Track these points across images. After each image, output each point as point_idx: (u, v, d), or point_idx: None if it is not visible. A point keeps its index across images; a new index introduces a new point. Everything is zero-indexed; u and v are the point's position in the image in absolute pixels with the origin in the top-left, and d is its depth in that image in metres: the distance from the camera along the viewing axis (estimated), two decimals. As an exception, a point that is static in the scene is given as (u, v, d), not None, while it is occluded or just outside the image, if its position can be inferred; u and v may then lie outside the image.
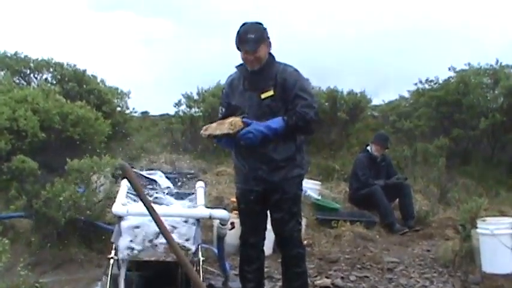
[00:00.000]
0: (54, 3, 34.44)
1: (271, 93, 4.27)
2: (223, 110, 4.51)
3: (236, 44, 4.27)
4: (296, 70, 4.39)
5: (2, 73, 11.38)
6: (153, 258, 4.26)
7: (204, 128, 4.30)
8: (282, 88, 4.28)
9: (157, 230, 3.93)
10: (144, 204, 3.76)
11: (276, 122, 4.20)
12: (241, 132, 4.14)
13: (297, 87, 4.29)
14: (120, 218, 4.52)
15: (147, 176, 6.40)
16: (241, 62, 4.40)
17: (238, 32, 4.25)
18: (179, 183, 6.57)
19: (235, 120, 4.17)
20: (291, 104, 4.27)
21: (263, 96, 4.28)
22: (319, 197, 8.90)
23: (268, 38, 4.33)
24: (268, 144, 4.25)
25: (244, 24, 4.28)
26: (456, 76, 13.46)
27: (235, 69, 4.53)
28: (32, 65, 11.90)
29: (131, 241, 4.38)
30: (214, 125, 4.26)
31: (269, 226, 4.61)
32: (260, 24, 4.31)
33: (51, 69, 11.97)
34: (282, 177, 4.35)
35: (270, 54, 4.38)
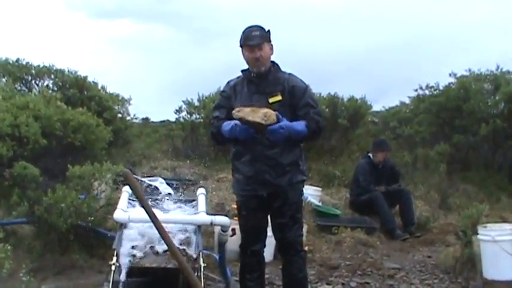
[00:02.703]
0: (55, 12, 34.61)
1: (279, 98, 4.33)
2: (225, 112, 4.44)
3: (241, 42, 4.34)
4: (301, 80, 4.49)
5: (4, 80, 11.36)
6: (154, 265, 4.27)
7: (237, 109, 4.13)
8: (291, 94, 4.35)
9: (159, 236, 3.95)
10: (146, 211, 3.77)
11: (300, 125, 4.27)
12: (273, 127, 4.08)
13: (307, 95, 4.40)
14: (121, 224, 4.54)
15: (148, 182, 6.42)
16: (245, 67, 4.46)
17: (242, 32, 4.33)
18: (180, 190, 6.60)
19: (270, 113, 4.07)
20: (300, 110, 4.34)
21: (271, 100, 4.32)
22: (320, 203, 8.92)
23: (270, 40, 4.39)
24: (276, 148, 4.30)
25: (247, 27, 4.35)
26: (457, 82, 13.47)
27: (236, 76, 4.57)
28: (33, 71, 11.88)
29: (133, 247, 4.39)
30: (247, 109, 4.10)
31: (269, 232, 4.62)
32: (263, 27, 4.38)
33: (52, 76, 11.96)
34: (287, 182, 4.38)
35: (274, 62, 4.45)
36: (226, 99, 4.54)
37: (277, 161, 4.34)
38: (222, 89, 4.73)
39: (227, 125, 4.31)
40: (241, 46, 4.37)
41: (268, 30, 4.37)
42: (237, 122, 4.17)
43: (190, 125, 12.95)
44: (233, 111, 4.16)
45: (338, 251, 7.31)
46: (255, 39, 4.28)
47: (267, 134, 4.14)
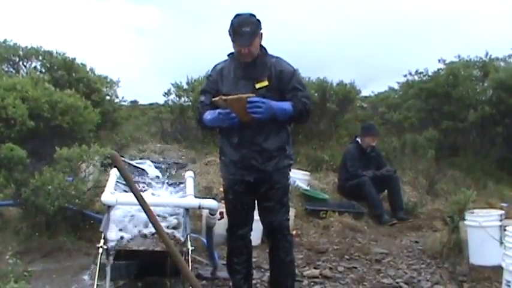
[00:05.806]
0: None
1: (265, 83, 4.28)
2: (211, 97, 4.34)
3: (230, 36, 4.20)
4: (289, 63, 4.43)
5: (-9, 61, 11.29)
6: (142, 248, 4.25)
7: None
8: (278, 79, 4.30)
9: (147, 219, 3.93)
10: (134, 194, 3.75)
11: (286, 104, 4.24)
12: (252, 98, 4.05)
13: (294, 80, 4.35)
14: (109, 207, 4.52)
15: (136, 165, 6.39)
16: (232, 50, 4.37)
17: (232, 24, 4.18)
18: (168, 173, 6.57)
19: (249, 94, 4.10)
20: (288, 94, 4.30)
21: (258, 86, 4.27)
22: (308, 188, 8.93)
23: (260, 29, 4.29)
24: (262, 133, 4.27)
25: (237, 15, 4.20)
26: (446, 68, 13.51)
27: (224, 58, 4.50)
28: (21, 52, 11.76)
29: (120, 230, 4.38)
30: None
31: (256, 216, 4.61)
32: (254, 16, 4.24)
33: (40, 57, 11.84)
34: (273, 166, 4.36)
35: (262, 46, 4.37)
36: (212, 84, 4.49)
37: (263, 147, 4.32)
38: (209, 72, 4.66)
39: (209, 114, 4.29)
40: (231, 40, 4.25)
41: (259, 21, 4.24)
42: (220, 110, 4.16)
43: (179, 108, 12.87)
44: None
45: (326, 236, 7.34)
46: (244, 39, 4.16)
47: (248, 108, 4.07)
